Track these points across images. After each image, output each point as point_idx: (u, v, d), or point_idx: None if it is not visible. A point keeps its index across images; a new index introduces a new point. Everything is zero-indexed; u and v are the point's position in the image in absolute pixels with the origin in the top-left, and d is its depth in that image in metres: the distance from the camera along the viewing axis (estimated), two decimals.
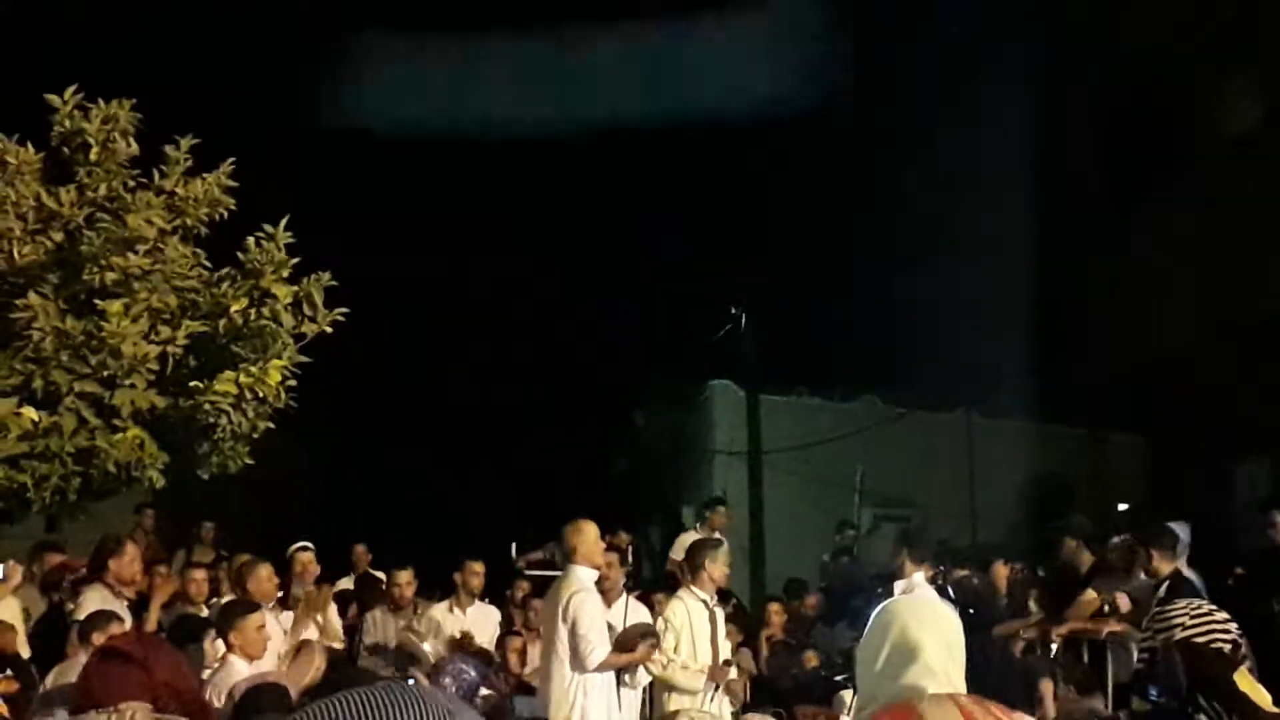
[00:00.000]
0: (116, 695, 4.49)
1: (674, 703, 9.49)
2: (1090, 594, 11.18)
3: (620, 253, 24.92)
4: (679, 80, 24.94)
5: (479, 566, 11.94)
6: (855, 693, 8.18)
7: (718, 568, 10.02)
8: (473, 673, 8.81)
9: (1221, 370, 18.40)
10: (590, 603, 9.16)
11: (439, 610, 11.43)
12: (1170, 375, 19.24)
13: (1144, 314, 20.32)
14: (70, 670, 6.46)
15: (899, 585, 10.34)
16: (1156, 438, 20.88)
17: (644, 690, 10.14)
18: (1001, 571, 12.83)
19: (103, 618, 8.39)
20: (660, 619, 9.93)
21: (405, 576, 11.52)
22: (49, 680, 7.36)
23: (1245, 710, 3.29)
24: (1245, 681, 3.33)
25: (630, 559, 14.74)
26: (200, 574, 10.65)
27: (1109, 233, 21.41)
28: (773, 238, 23.80)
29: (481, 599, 12.07)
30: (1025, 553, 13.61)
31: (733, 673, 10.15)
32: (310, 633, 9.90)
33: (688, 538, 13.14)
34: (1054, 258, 19.85)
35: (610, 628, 9.38)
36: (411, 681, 1.86)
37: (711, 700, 9.67)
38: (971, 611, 9.63)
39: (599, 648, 9.00)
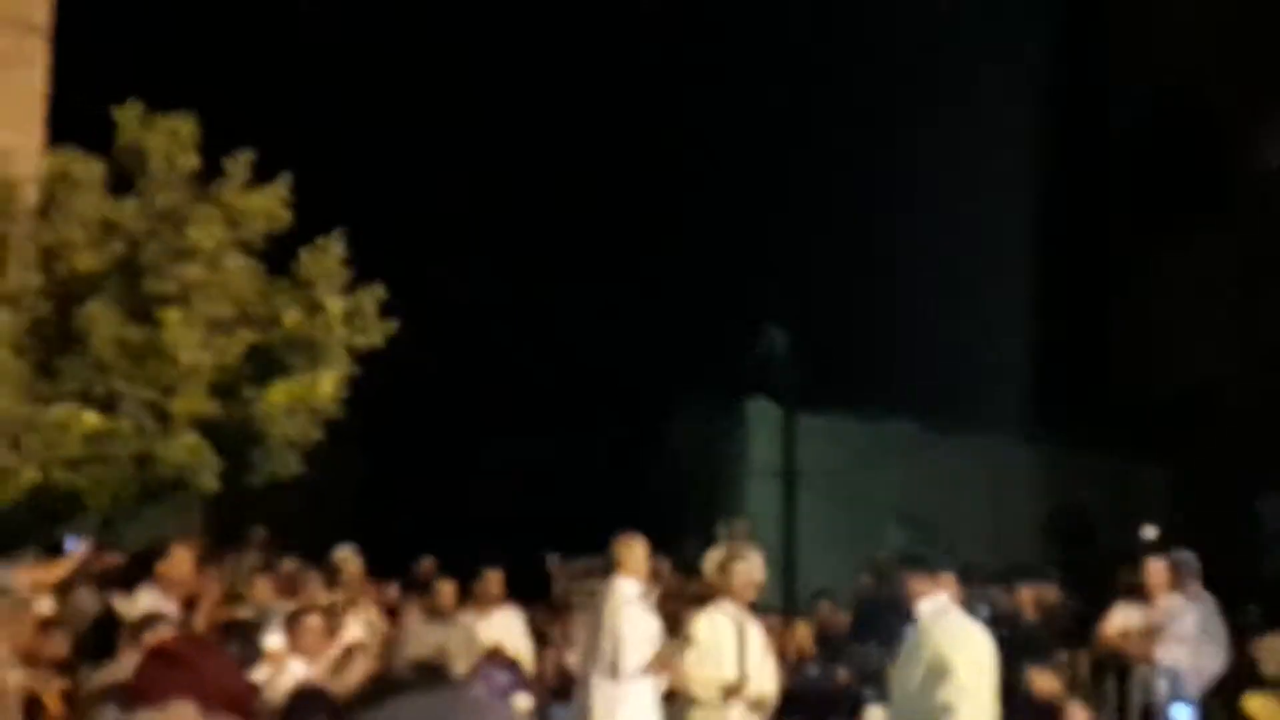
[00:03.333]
0: (164, 694, 4.69)
1: (696, 717, 9.63)
2: (1120, 615, 11.31)
3: (660, 268, 25.06)
4: (722, 90, 25.12)
5: (497, 574, 12.12)
6: (885, 708, 8.36)
7: (737, 580, 10.13)
8: (504, 678, 8.97)
9: (1250, 403, 18.46)
10: (636, 614, 9.33)
11: (466, 617, 11.61)
12: (1199, 407, 19.31)
13: (1175, 346, 20.39)
14: (118, 669, 6.65)
15: (926, 605, 10.44)
16: (1183, 468, 20.93)
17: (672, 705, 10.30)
18: (1028, 595, 12.93)
19: (153, 619, 8.62)
20: (686, 634, 10.06)
21: (447, 587, 11.69)
22: (98, 679, 7.58)
23: None
24: (1259, 705, 3.54)
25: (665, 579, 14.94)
26: (263, 579, 10.89)
27: (1143, 264, 21.49)
28: (814, 258, 23.92)
29: (516, 607, 12.27)
30: (1051, 576, 13.70)
31: (761, 689, 10.28)
32: (357, 632, 10.10)
33: (717, 554, 13.29)
34: (1089, 288, 19.95)
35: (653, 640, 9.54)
36: (473, 692, 2.04)
37: (732, 712, 9.79)
38: (1003, 633, 9.78)
39: (638, 657, 9.15)
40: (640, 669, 9.17)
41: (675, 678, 9.74)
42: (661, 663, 9.50)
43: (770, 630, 12.76)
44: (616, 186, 25.22)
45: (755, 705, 10.06)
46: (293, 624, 8.39)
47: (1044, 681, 10.97)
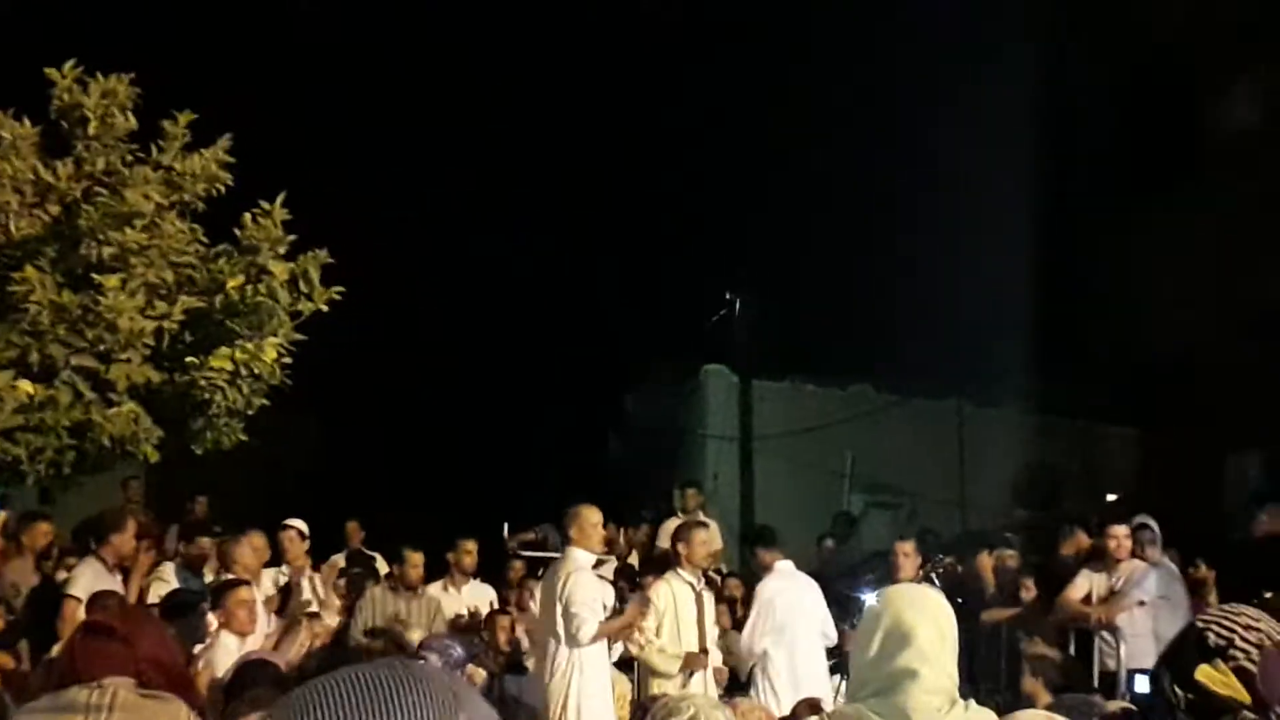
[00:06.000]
0: (99, 670, 4.50)
1: (656, 686, 9.55)
2: (1081, 581, 11.25)
3: (616, 236, 24.91)
4: (680, 62, 24.95)
5: (472, 545, 12.03)
6: (846, 678, 8.24)
7: (694, 549, 10.07)
8: (459, 650, 8.87)
9: (1216, 364, 18.45)
10: (585, 580, 9.23)
11: (435, 589, 11.49)
12: (1165, 369, 19.30)
13: (1141, 308, 20.36)
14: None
15: (772, 579, 10.41)
16: (1149, 430, 20.94)
17: (635, 671, 10.20)
18: (986, 561, 12.89)
19: (102, 597, 8.43)
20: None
21: (416, 558, 11.48)
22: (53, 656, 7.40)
23: (1200, 695, 3.37)
24: (1210, 674, 3.37)
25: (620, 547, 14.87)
26: (206, 542, 10.71)
27: (1107, 226, 21.44)
28: (769, 223, 23.80)
29: (474, 578, 12.13)
30: (1015, 541, 13.65)
31: (716, 659, 10.19)
32: (310, 607, 9.97)
33: (673, 522, 13.22)
34: (1052, 249, 19.88)
35: (605, 607, 9.45)
36: (420, 661, 1.84)
37: (691, 680, 9.71)
38: (960, 600, 9.67)
39: (590, 620, 9.06)
40: (591, 635, 9.07)
41: (636, 641, 9.64)
42: (623, 626, 9.39)
43: (731, 597, 12.72)
44: (574, 152, 25.02)
45: (716, 674, 10.01)
46: (222, 598, 8.23)
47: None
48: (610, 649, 9.83)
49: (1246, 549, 11.63)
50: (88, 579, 9.47)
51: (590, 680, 9.20)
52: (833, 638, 10.61)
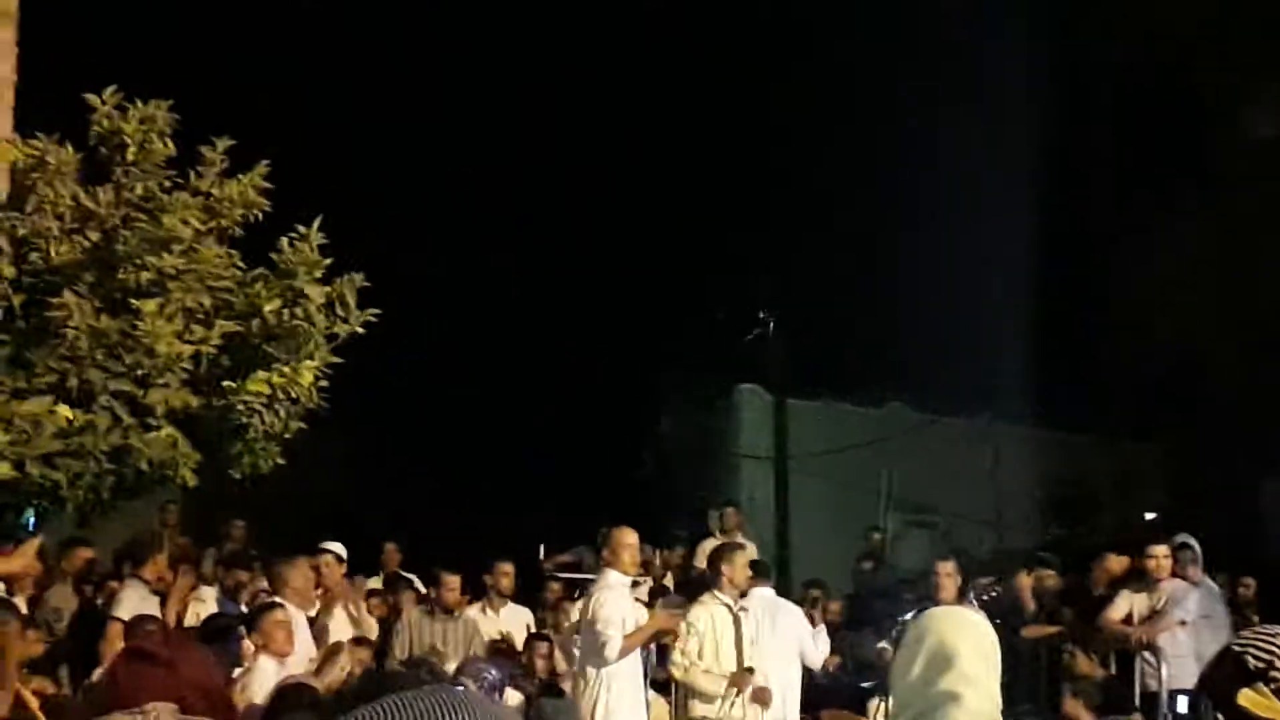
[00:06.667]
0: (142, 696, 4.51)
1: (697, 710, 9.52)
2: (1121, 601, 11.18)
3: (651, 255, 24.93)
4: (714, 77, 24.98)
5: (509, 567, 12.02)
6: (885, 699, 8.20)
7: (736, 570, 10.05)
8: (494, 673, 8.85)
9: (1244, 379, 18.36)
10: (613, 599, 9.23)
11: (473, 611, 11.49)
12: (1193, 384, 19.22)
13: (1168, 322, 20.28)
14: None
15: (754, 598, 10.41)
16: (1178, 446, 20.83)
17: (672, 694, 10.18)
18: (1025, 581, 12.81)
19: (143, 621, 8.47)
20: (684, 623, 9.96)
21: (453, 581, 11.48)
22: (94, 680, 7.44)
23: (1240, 719, 3.35)
24: (1252, 698, 3.36)
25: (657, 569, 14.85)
26: (244, 574, 10.74)
27: (1135, 241, 21.37)
28: (803, 242, 23.78)
29: (511, 600, 12.13)
30: (1054, 561, 13.57)
31: (760, 679, 10.14)
32: (343, 629, 9.96)
33: (710, 543, 13.20)
34: (1080, 266, 19.85)
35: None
36: (460, 688, 1.85)
37: (734, 707, 9.69)
38: (998, 621, 9.63)
39: (615, 637, 9.05)
40: (616, 650, 9.06)
41: (679, 664, 9.63)
42: (651, 634, 9.37)
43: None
44: (607, 172, 25.08)
45: (756, 697, 9.96)
46: (259, 620, 8.25)
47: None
48: (646, 669, 9.81)
49: None
50: (133, 601, 9.52)
51: (618, 697, 9.20)
52: (814, 661, 10.66)
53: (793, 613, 10.77)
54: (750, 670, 9.85)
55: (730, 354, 22.24)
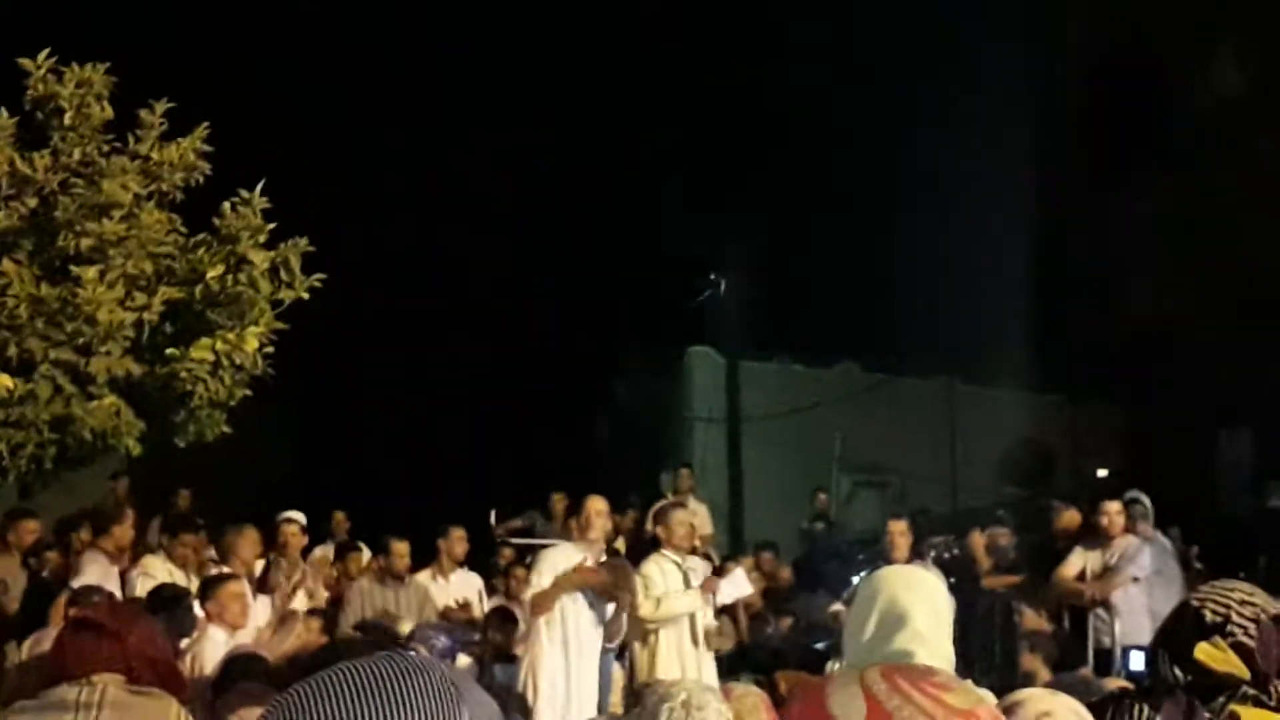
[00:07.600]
0: (89, 666, 4.42)
1: (659, 670, 9.47)
2: (1075, 558, 11.20)
3: (598, 217, 24.82)
4: (662, 39, 24.85)
5: (461, 533, 11.92)
6: (840, 660, 8.17)
7: (672, 529, 10.01)
8: (444, 639, 8.77)
9: (1203, 340, 18.45)
10: (552, 552, 9.20)
11: (423, 578, 11.40)
12: (1152, 345, 19.30)
13: (1128, 284, 20.36)
14: (46, 639, 6.40)
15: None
16: (1137, 406, 20.94)
17: (628, 660, 10.12)
18: (979, 540, 12.83)
19: (91, 592, 8.33)
20: (639, 579, 9.90)
21: (402, 548, 11.37)
22: (24, 650, 7.29)
23: (1199, 673, 3.34)
24: (1209, 651, 3.33)
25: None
26: (190, 539, 10.60)
27: (1094, 203, 21.43)
28: (753, 202, 23.71)
29: (462, 566, 12.05)
30: (1007, 519, 13.60)
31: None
32: (299, 601, 9.85)
33: (660, 505, 13.16)
34: (1039, 226, 19.87)
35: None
36: (412, 653, 1.79)
37: (695, 657, 9.67)
38: (953, 580, 9.61)
39: (536, 585, 9.00)
40: (535, 587, 9.02)
41: (632, 613, 9.57)
42: (583, 580, 9.22)
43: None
44: (556, 133, 24.92)
45: (707, 639, 9.95)
46: (213, 591, 8.13)
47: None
48: (607, 635, 9.70)
49: (1240, 523, 11.63)
50: (93, 574, 9.38)
51: (578, 667, 9.13)
52: (726, 595, 10.59)
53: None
54: (719, 571, 9.96)
55: (680, 316, 22.20)
